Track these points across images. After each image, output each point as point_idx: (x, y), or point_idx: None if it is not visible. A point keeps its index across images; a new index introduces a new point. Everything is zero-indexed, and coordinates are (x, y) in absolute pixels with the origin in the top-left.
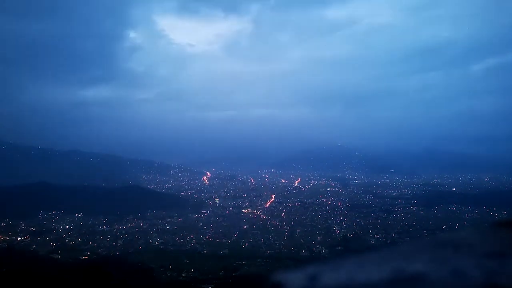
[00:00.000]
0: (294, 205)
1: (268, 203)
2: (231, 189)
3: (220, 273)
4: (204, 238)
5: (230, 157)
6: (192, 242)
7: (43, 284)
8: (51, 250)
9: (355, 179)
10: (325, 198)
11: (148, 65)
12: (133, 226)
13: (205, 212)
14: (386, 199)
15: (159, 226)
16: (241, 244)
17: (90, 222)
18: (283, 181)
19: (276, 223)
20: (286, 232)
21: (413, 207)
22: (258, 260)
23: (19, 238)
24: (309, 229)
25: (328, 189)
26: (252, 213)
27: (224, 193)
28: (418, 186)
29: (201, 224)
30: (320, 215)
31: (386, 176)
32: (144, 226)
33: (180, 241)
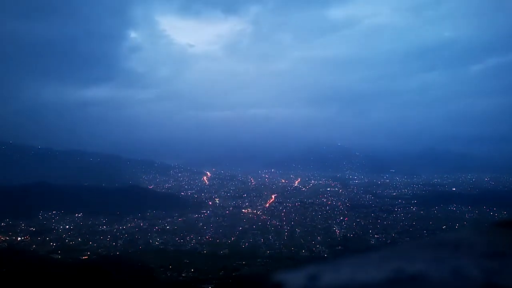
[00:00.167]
0: (294, 205)
1: (268, 203)
2: (231, 189)
3: (220, 273)
4: (204, 238)
5: (230, 157)
6: (192, 242)
7: (43, 284)
8: (51, 250)
9: (355, 179)
10: (325, 198)
11: (149, 65)
12: (133, 226)
13: (205, 212)
14: (386, 199)
15: (159, 226)
16: (241, 244)
17: (90, 222)
18: (283, 181)
19: (276, 223)
20: (286, 232)
21: (413, 207)
22: (258, 260)
23: (19, 238)
24: (309, 229)
25: (328, 189)
26: (252, 213)
27: (224, 193)
28: (418, 186)
29: (201, 224)
30: (320, 215)
31: (386, 176)
32: (144, 226)
33: (180, 241)
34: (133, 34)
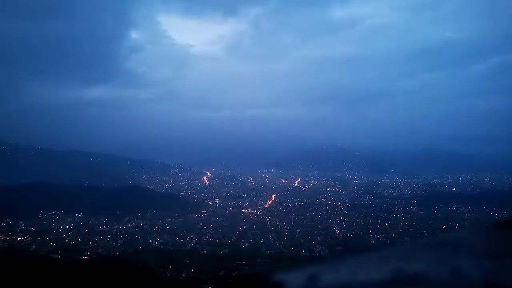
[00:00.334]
0: (294, 205)
1: (268, 203)
2: (231, 189)
3: (220, 273)
4: (204, 238)
5: (230, 157)
6: (192, 242)
7: (43, 284)
8: (51, 250)
9: (355, 179)
10: (325, 198)
11: (149, 65)
12: (133, 226)
13: (205, 212)
14: (386, 199)
15: (159, 226)
16: (241, 244)
17: (90, 222)
18: (283, 181)
19: (276, 223)
20: (286, 232)
21: (413, 207)
22: (258, 260)
23: (19, 238)
24: (309, 229)
25: (328, 189)
26: (252, 213)
27: (224, 193)
28: (418, 186)
29: (201, 224)
30: (320, 215)
31: (386, 176)
32: (144, 226)
33: (180, 241)
34: (134, 34)
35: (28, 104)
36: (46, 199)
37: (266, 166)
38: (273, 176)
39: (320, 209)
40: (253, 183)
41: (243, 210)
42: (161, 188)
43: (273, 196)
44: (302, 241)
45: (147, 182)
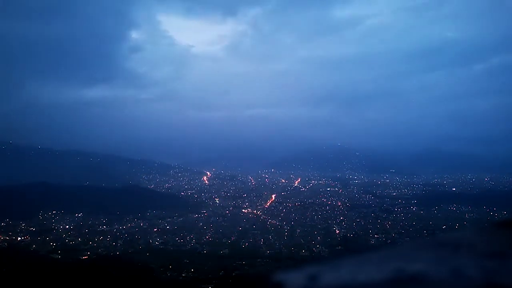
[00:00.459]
0: (294, 205)
1: (268, 203)
2: (231, 189)
3: (220, 273)
4: (204, 238)
5: (230, 157)
6: (192, 242)
7: (43, 284)
8: (51, 250)
9: (355, 179)
10: (325, 198)
11: (150, 65)
12: (133, 226)
13: (205, 212)
14: (386, 199)
15: (159, 226)
16: (241, 244)
17: (90, 222)
18: (283, 181)
19: (276, 223)
20: (286, 232)
21: (413, 207)
22: (258, 260)
23: (19, 238)
24: (309, 229)
25: (328, 189)
26: (252, 213)
27: (224, 193)
28: (418, 186)
29: (201, 224)
30: (320, 215)
31: (386, 176)
32: (144, 226)
33: (180, 241)
34: (134, 34)
35: (28, 104)
36: (46, 199)
37: (266, 166)
38: (273, 176)
39: (320, 209)
40: (253, 183)
41: (243, 210)
42: (161, 188)
43: (273, 196)
44: (302, 241)
45: (147, 182)
